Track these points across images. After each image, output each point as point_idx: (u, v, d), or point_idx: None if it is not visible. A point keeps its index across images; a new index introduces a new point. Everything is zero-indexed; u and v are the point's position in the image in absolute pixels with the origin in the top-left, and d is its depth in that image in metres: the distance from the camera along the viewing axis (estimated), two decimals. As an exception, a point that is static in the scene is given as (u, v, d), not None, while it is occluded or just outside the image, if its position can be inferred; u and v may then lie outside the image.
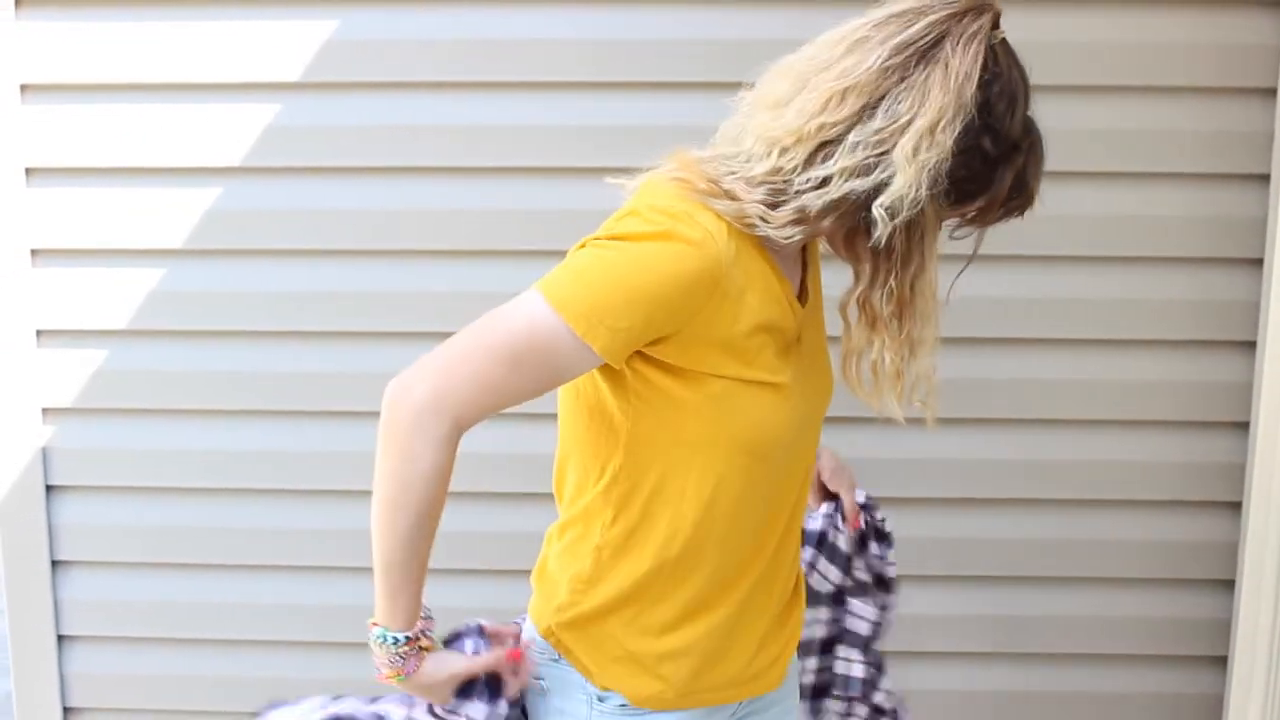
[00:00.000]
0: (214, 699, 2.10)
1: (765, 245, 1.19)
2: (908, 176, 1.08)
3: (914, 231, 1.14)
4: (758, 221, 1.14)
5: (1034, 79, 1.85)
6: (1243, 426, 1.93)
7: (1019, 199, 1.22)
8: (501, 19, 1.87)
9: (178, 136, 1.93)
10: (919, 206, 1.10)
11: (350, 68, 1.90)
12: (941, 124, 1.09)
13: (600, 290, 1.11)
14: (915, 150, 1.09)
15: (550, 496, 1.38)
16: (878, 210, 1.10)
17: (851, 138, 1.10)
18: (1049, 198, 1.86)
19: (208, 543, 2.06)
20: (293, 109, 1.91)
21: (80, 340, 2.00)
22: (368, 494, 2.06)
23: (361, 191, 1.93)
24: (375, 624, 1.24)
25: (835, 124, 1.11)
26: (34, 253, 1.97)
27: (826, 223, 1.13)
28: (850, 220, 1.13)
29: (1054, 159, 1.88)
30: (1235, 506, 1.96)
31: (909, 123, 1.09)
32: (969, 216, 1.21)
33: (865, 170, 1.10)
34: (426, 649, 1.27)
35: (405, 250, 1.95)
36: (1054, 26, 1.84)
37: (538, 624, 1.31)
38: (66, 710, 2.11)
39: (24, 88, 1.92)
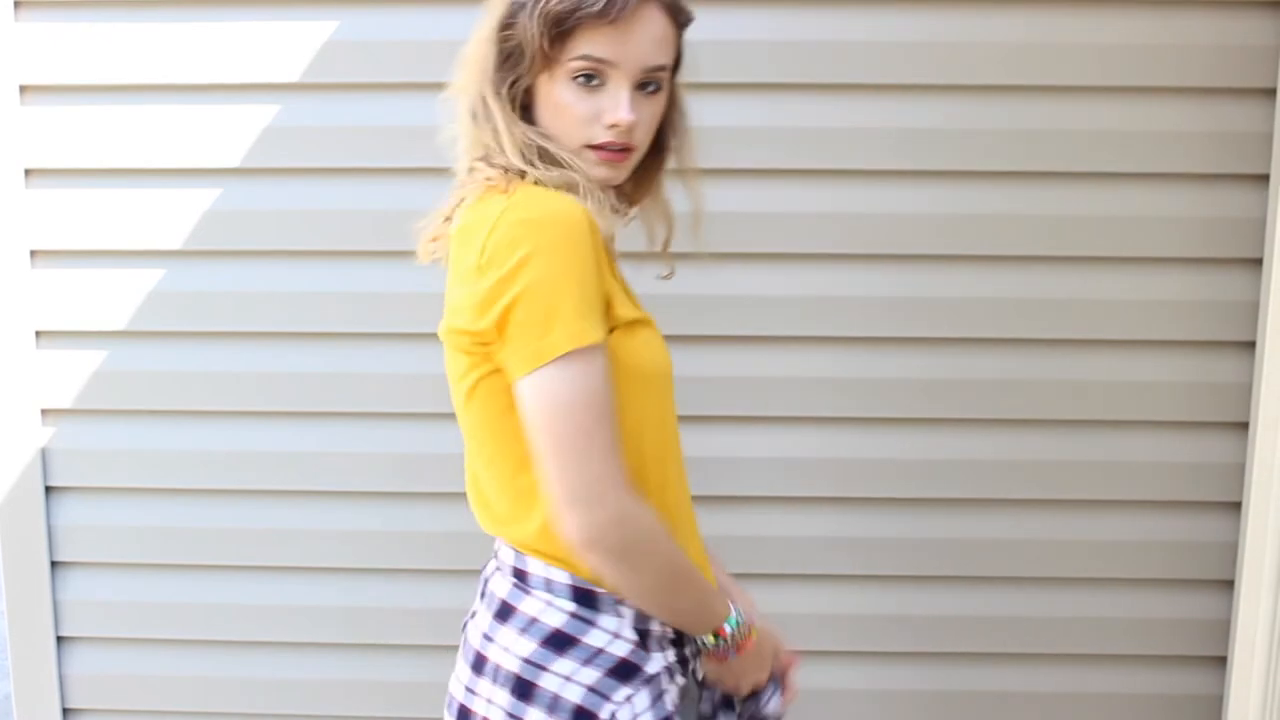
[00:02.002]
0: (215, 700, 2.10)
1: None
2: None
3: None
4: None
5: (1034, 80, 1.88)
6: (1242, 427, 1.93)
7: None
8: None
9: (177, 137, 1.93)
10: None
11: (349, 68, 1.89)
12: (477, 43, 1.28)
13: (555, 310, 1.16)
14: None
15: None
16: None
17: None
18: (1047, 199, 1.89)
19: (208, 543, 2.05)
20: (292, 109, 1.91)
21: (79, 341, 1.99)
22: (368, 494, 2.08)
23: (361, 192, 1.93)
24: (716, 633, 1.31)
25: None
26: (33, 254, 1.97)
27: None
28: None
29: (1054, 161, 1.91)
30: (1235, 507, 1.96)
31: None
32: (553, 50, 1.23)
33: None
34: (751, 628, 1.33)
35: (405, 251, 1.93)
36: (1053, 28, 1.84)
37: None
38: (66, 711, 2.11)
39: (23, 89, 1.92)
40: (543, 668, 1.24)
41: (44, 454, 2.02)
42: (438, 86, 1.89)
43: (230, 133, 1.92)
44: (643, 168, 1.35)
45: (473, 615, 1.34)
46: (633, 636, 1.26)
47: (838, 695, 2.04)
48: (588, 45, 1.21)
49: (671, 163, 1.38)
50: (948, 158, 1.88)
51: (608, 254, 1.25)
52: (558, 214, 1.17)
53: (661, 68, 1.25)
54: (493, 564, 1.35)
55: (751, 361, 1.95)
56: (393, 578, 2.05)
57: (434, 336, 1.96)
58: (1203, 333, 1.92)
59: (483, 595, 1.34)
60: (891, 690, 2.05)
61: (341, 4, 1.88)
